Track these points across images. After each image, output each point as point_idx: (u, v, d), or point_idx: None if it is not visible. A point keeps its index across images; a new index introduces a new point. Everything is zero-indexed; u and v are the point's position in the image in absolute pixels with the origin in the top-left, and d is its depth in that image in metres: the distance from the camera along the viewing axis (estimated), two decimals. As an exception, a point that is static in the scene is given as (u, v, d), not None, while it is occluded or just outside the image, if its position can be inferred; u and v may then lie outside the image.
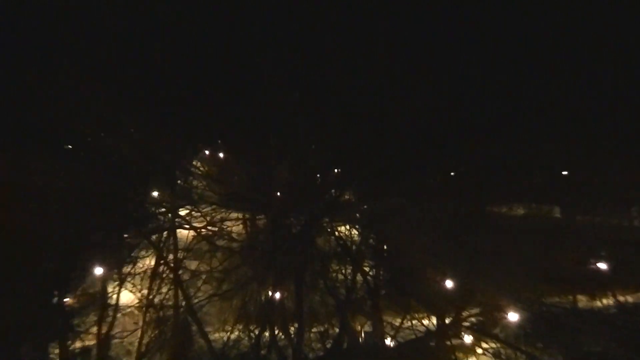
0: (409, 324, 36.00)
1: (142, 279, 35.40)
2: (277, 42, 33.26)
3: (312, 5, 33.36)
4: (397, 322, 35.89)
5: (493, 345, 35.71)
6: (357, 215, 35.82)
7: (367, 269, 35.58)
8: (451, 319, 35.57)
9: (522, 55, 35.12)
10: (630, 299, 34.93)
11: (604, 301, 34.81)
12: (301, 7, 33.57)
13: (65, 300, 33.22)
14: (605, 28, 34.02)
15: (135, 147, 33.10)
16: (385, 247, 35.87)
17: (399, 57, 32.79)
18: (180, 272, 35.18)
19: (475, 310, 35.98)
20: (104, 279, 34.50)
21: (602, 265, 33.86)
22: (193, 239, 35.95)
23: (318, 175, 35.48)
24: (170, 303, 34.97)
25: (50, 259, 31.90)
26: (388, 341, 35.50)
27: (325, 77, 33.02)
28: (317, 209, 33.84)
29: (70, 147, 34.31)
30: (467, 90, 33.82)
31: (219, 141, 37.43)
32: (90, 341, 34.37)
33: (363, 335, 36.37)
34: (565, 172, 35.46)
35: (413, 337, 35.92)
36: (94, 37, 32.26)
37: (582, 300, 35.84)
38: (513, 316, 34.09)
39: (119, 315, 35.02)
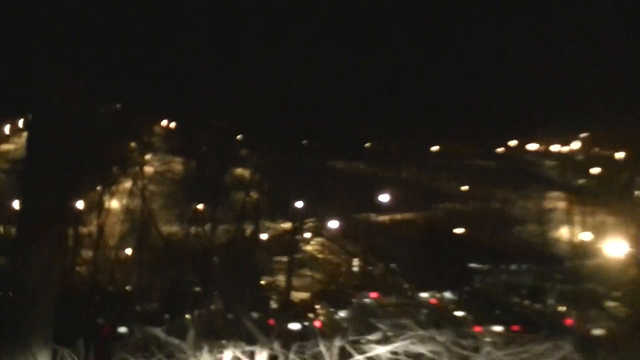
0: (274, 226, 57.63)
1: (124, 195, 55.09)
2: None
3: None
4: (270, 225, 57.17)
5: (321, 239, 58.22)
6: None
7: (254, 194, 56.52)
8: (299, 224, 57.08)
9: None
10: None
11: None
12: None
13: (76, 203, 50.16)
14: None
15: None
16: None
17: None
18: (146, 192, 53.56)
19: (311, 219, 57.83)
20: (101, 194, 53.85)
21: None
22: (154, 173, 55.91)
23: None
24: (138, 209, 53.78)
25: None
26: (263, 235, 55.85)
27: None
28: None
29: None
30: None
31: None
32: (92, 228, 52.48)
33: (249, 232, 54.85)
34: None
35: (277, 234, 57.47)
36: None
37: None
38: (334, 224, 56.72)
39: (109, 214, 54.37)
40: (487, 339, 15.78)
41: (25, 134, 50.17)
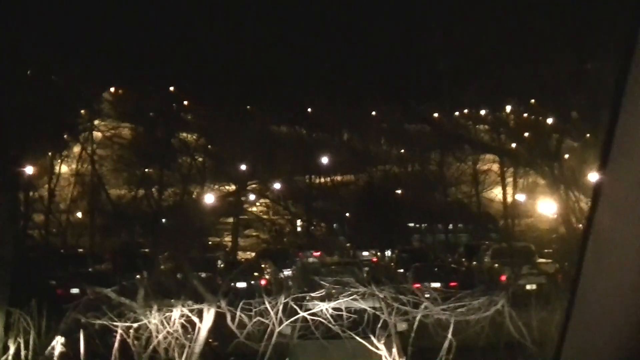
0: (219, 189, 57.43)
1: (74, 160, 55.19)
2: None
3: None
4: (215, 187, 57.00)
5: (266, 201, 57.94)
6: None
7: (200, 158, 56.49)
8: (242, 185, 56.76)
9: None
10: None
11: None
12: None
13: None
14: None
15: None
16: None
17: None
18: (95, 157, 54.18)
19: (255, 181, 57.77)
20: (51, 159, 53.57)
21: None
22: (103, 138, 55.61)
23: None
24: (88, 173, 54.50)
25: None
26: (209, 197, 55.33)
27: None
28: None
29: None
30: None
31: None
32: (43, 192, 52.79)
33: (195, 194, 55.67)
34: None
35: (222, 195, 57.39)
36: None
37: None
38: (277, 185, 56.52)
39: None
40: (426, 295, 15.97)
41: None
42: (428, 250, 47.57)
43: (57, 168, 53.81)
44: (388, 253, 48.58)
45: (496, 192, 58.27)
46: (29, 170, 48.49)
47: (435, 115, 60.81)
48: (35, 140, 46.81)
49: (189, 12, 58.19)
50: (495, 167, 58.45)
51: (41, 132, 47.73)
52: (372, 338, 14.73)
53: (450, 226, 57.89)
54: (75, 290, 23.09)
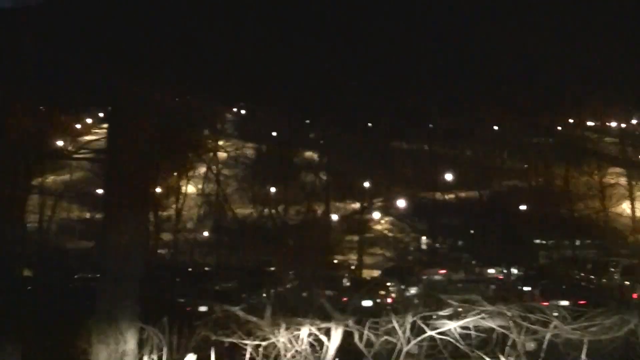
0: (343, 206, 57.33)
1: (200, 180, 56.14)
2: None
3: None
4: (339, 205, 56.98)
5: (390, 218, 57.64)
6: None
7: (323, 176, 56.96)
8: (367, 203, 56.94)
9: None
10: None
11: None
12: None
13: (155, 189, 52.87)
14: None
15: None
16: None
17: None
18: (220, 176, 55.01)
19: (379, 199, 57.49)
20: (178, 179, 54.73)
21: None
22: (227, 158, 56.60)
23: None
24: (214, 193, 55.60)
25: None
26: (334, 216, 55.86)
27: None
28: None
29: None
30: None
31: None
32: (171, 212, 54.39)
33: (320, 212, 56.35)
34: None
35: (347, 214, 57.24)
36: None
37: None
38: (401, 202, 56.19)
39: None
40: (555, 314, 15.64)
41: (106, 125, 51.85)
42: (555, 267, 46.56)
43: (183, 188, 55.19)
44: (514, 270, 47.51)
45: (625, 207, 56.75)
46: (158, 190, 50.58)
47: (560, 128, 59.98)
48: (163, 162, 48.48)
49: (308, 32, 58.92)
50: (624, 180, 56.78)
51: (168, 153, 49.39)
52: (501, 358, 14.53)
53: (578, 242, 56.40)
54: (203, 308, 23.42)
